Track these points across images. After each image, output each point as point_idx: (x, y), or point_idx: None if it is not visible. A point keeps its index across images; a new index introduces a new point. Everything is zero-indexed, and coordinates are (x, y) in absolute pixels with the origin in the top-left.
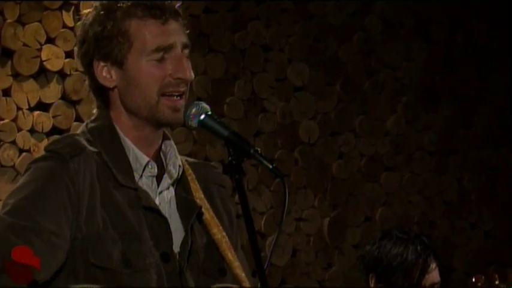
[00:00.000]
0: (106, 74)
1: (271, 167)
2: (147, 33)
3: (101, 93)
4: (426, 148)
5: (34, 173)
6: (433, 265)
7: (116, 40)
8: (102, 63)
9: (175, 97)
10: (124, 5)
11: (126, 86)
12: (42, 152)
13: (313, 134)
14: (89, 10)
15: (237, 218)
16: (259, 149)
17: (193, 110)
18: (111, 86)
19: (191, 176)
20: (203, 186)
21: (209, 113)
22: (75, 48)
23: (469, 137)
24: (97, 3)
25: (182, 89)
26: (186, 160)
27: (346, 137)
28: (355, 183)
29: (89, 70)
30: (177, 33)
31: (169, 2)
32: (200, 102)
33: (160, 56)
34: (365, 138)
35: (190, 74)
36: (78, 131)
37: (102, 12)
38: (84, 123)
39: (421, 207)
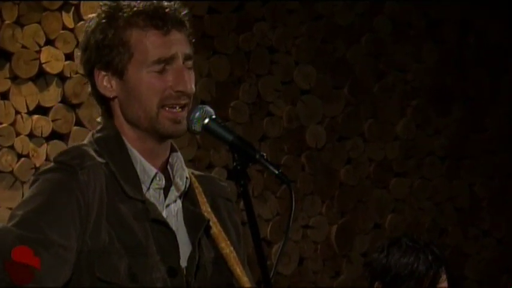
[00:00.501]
0: (106, 83)
1: (277, 172)
2: (148, 43)
3: (103, 102)
4: (437, 153)
5: (42, 185)
6: (444, 276)
7: (117, 50)
8: (103, 73)
9: (176, 109)
10: (126, 14)
11: (127, 96)
12: (41, 158)
13: (320, 138)
14: (92, 15)
15: (242, 225)
16: (264, 154)
17: (197, 114)
18: (111, 96)
19: (198, 189)
20: (210, 200)
21: (213, 117)
22: (78, 54)
23: (481, 141)
24: (100, 10)
25: (183, 102)
26: (193, 173)
27: (354, 142)
28: (363, 189)
29: (90, 78)
30: (179, 44)
31: (172, 10)
32: (204, 106)
33: (161, 68)
34: (374, 142)
35: (191, 87)
36: (85, 142)
37: (104, 20)
38: (90, 134)
39: (432, 214)
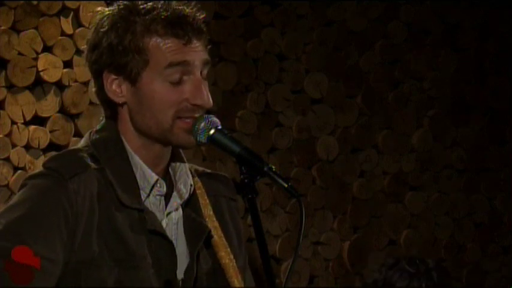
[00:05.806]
0: (116, 87)
1: (286, 186)
2: (165, 49)
3: (109, 105)
4: (455, 166)
5: (30, 191)
6: None
7: (132, 55)
8: (113, 76)
9: (190, 119)
10: (145, 20)
11: (138, 105)
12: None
13: (332, 150)
14: (106, 11)
15: (250, 241)
16: (273, 167)
17: (202, 124)
18: (120, 102)
19: (200, 190)
20: (213, 201)
21: (219, 127)
22: (85, 51)
23: (501, 153)
24: (114, 10)
25: (197, 115)
26: (196, 170)
27: (368, 154)
28: (377, 203)
29: (97, 78)
30: (197, 51)
31: (193, 17)
32: (209, 115)
33: (177, 78)
34: (388, 155)
35: (210, 101)
36: (81, 143)
37: (120, 23)
38: (88, 134)
39: (450, 230)
